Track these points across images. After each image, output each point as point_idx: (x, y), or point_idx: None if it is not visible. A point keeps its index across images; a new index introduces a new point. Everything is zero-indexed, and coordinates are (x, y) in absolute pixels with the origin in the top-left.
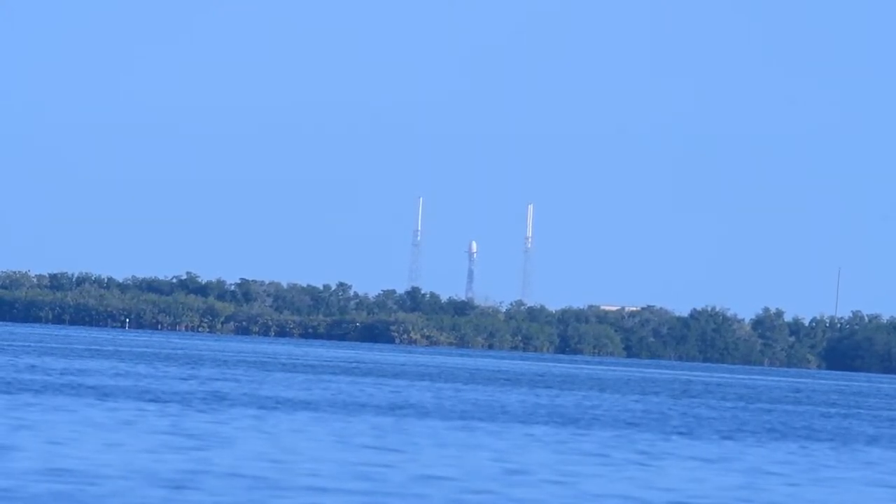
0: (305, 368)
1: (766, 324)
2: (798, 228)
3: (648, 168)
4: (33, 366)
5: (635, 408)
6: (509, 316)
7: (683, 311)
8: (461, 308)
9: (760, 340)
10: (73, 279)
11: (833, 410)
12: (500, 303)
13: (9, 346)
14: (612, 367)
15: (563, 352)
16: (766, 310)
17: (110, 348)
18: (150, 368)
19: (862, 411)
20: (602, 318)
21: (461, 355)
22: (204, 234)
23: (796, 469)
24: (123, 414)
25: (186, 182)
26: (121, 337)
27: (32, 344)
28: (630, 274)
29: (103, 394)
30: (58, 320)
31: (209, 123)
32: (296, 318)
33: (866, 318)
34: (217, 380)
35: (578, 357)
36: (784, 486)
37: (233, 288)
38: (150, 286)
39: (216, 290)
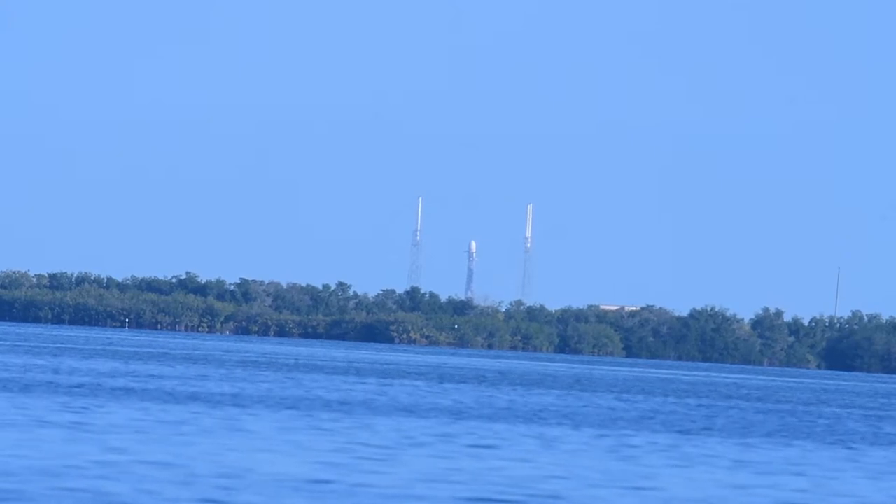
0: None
1: (765, 324)
2: (798, 228)
3: (648, 168)
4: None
5: None
6: (509, 316)
7: (683, 311)
8: (461, 308)
9: (760, 340)
10: (73, 279)
11: None
12: (500, 303)
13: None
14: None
15: (562, 351)
16: (766, 310)
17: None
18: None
19: None
20: (602, 317)
21: (490, 356)
22: (204, 234)
23: None
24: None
25: (187, 182)
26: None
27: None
28: (630, 274)
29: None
30: (57, 320)
31: (209, 123)
32: (295, 317)
33: (866, 318)
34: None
35: (580, 357)
36: None
37: (232, 288)
38: (150, 286)
39: (216, 289)
